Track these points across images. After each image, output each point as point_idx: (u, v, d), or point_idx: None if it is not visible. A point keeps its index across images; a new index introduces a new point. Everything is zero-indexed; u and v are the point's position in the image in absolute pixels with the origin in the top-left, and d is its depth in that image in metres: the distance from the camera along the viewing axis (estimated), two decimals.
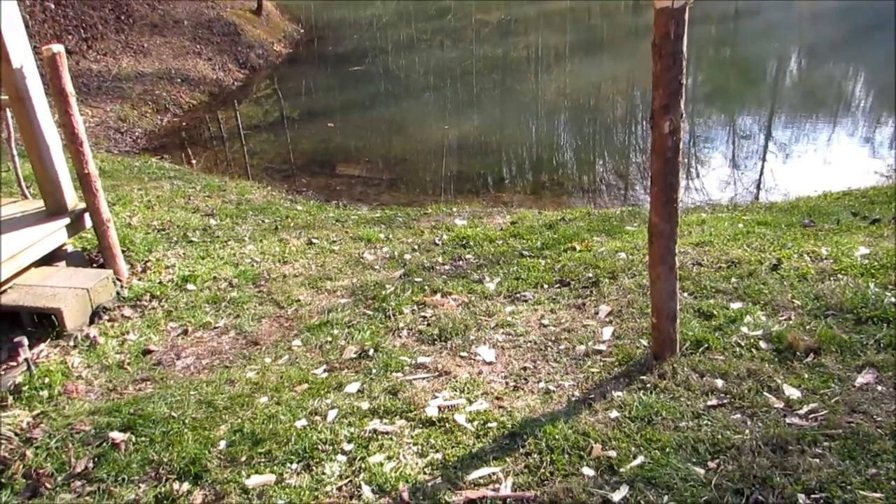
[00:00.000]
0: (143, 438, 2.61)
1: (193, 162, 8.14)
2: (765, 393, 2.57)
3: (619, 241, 4.71)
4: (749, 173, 7.78)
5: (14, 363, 3.17)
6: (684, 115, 2.58)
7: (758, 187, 7.32)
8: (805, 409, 2.44)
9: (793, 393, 2.55)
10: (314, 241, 4.97)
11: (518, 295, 3.82)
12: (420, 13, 20.40)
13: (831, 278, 3.54)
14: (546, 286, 3.93)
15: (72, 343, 3.42)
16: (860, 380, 2.59)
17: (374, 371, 3.05)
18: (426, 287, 4.00)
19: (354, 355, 3.24)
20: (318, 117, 10.27)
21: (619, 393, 2.67)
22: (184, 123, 9.88)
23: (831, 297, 3.25)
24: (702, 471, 2.18)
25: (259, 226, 5.32)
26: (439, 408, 2.67)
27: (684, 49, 2.49)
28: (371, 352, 3.25)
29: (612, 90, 12.10)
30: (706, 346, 2.94)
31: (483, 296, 3.85)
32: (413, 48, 16.49)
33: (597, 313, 3.46)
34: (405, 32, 18.32)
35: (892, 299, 3.17)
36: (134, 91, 10.26)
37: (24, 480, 2.40)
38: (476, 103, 11.42)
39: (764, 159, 8.27)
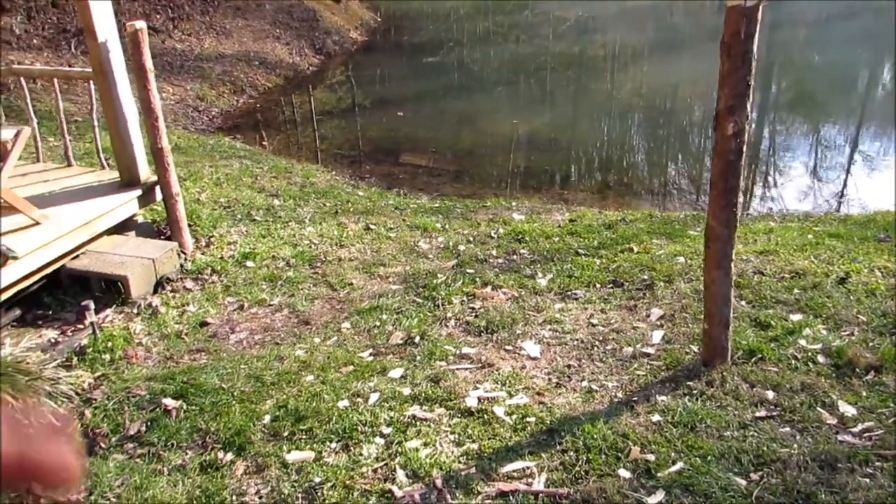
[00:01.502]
0: (193, 407, 2.73)
1: (265, 143, 8.38)
2: (818, 408, 2.47)
3: (679, 245, 4.60)
4: (830, 185, 7.42)
5: (81, 326, 3.36)
6: (750, 118, 2.49)
7: (840, 199, 6.98)
8: (859, 427, 2.34)
9: (848, 410, 2.44)
10: (372, 226, 5.05)
11: (569, 293, 3.79)
12: (498, 7, 20.31)
13: None
14: (598, 286, 3.87)
15: (135, 310, 3.60)
16: None
17: (418, 358, 3.09)
18: (477, 279, 4.01)
19: (400, 341, 3.29)
20: (389, 106, 10.38)
21: (664, 397, 2.62)
22: (258, 105, 10.17)
23: None
24: (743, 482, 2.12)
25: (320, 209, 5.44)
26: (479, 399, 2.69)
27: (755, 49, 2.41)
28: (417, 339, 3.29)
29: (689, 92, 11.74)
30: (760, 356, 2.85)
31: (533, 291, 3.83)
32: (489, 42, 16.45)
33: (648, 316, 3.39)
34: (482, 25, 18.30)
35: None
36: (214, 71, 10.63)
37: (81, 439, 2.55)
38: (548, 100, 11.31)
39: (848, 171, 7.87)
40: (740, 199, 2.58)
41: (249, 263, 4.24)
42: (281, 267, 4.26)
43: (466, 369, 2.97)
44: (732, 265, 2.70)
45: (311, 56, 12.79)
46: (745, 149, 2.52)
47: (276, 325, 3.56)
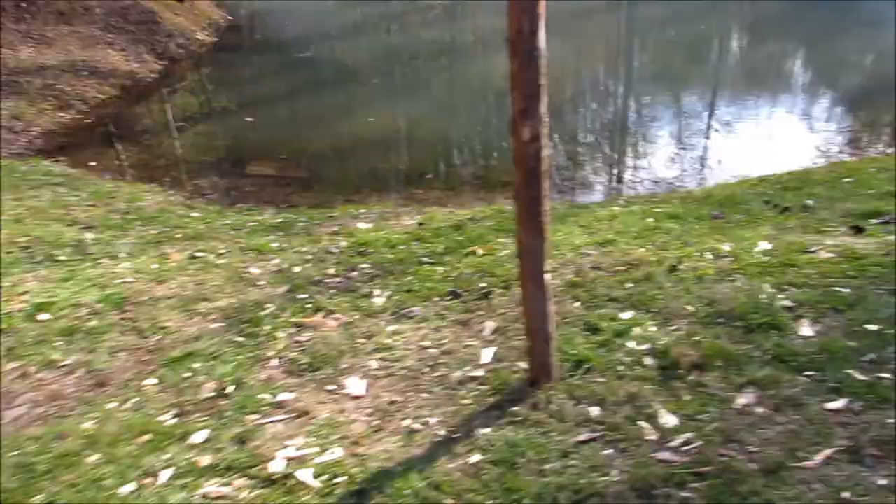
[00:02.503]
0: None
1: (92, 163, 7.59)
2: (640, 422, 2.35)
3: None
4: (694, 151, 7.74)
5: None
6: (546, 121, 2.31)
7: (702, 165, 7.27)
8: (679, 440, 2.23)
9: (669, 420, 2.34)
10: (198, 254, 4.59)
11: (405, 311, 3.54)
12: None
13: (728, 279, 3.36)
14: (437, 299, 3.65)
15: None
16: (740, 400, 2.39)
17: (227, 414, 2.73)
18: (309, 305, 3.69)
19: (211, 394, 2.91)
20: (238, 111, 9.76)
21: (487, 430, 2.42)
22: (88, 121, 9.25)
23: (724, 303, 3.06)
24: None
25: (142, 238, 4.91)
26: (287, 460, 2.38)
27: (542, 46, 2.22)
28: (230, 389, 2.92)
29: (558, 72, 11.87)
30: (588, 366, 2.72)
31: (368, 313, 3.55)
32: (359, 33, 16.02)
33: (482, 331, 3.20)
34: (350, 18, 17.78)
35: (785, 302, 3.00)
36: (33, 86, 9.57)
37: None
38: (413, 92, 11.03)
39: (707, 137, 8.27)
40: (546, 208, 2.41)
41: (43, 316, 3.69)
42: (83, 316, 3.73)
43: (280, 421, 2.65)
44: (549, 277, 2.54)
45: (151, 62, 11.84)
46: (544, 154, 2.34)
47: (67, 392, 3.07)
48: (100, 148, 8.26)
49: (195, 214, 5.73)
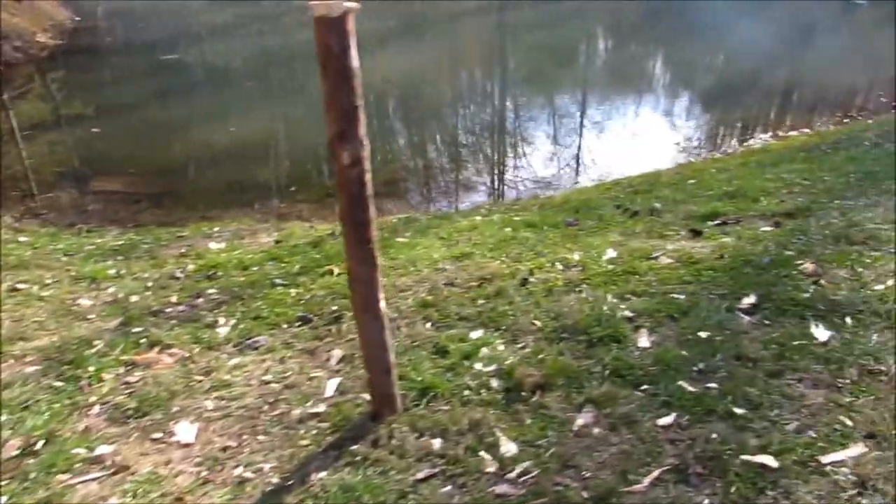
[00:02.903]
0: None
1: None
2: (481, 452, 2.29)
3: (383, 258, 4.34)
4: (569, 150, 7.95)
5: None
6: (365, 143, 2.19)
7: (576, 164, 7.50)
8: (517, 469, 2.18)
9: (510, 449, 2.29)
10: (20, 286, 4.11)
11: (251, 341, 3.32)
12: None
13: (575, 290, 3.40)
14: (286, 325, 3.45)
15: None
16: (579, 421, 2.39)
17: (32, 476, 2.41)
18: (144, 340, 3.38)
19: (15, 453, 2.57)
20: (83, 120, 9.00)
21: (323, 473, 2.27)
22: None
23: (570, 316, 3.09)
24: None
25: None
26: None
27: (355, 64, 2.09)
28: (39, 445, 2.59)
29: (435, 73, 11.86)
30: (434, 393, 2.63)
31: (209, 346, 3.30)
32: (229, 35, 15.30)
33: (328, 360, 3.04)
34: (220, 18, 16.97)
35: (626, 312, 3.06)
36: None
37: None
38: (281, 98, 10.64)
39: (581, 136, 8.59)
40: (374, 234, 2.29)
41: None
42: None
43: (95, 480, 2.37)
44: (383, 305, 2.42)
45: None
46: (367, 178, 2.22)
47: None
48: None
49: (23, 239, 5.16)
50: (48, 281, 4.23)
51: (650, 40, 15.76)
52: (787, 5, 18.52)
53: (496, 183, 7.12)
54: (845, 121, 8.53)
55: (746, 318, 2.88)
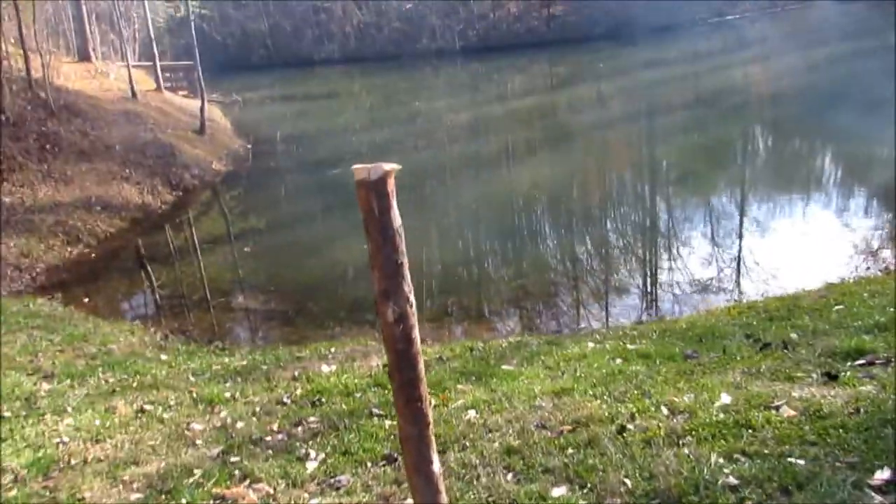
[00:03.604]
0: None
1: (85, 300, 7.69)
2: None
3: (482, 390, 4.24)
4: (728, 250, 7.73)
5: None
6: (411, 299, 2.17)
7: (737, 265, 7.23)
8: None
9: None
10: (147, 407, 4.44)
11: (334, 479, 3.29)
12: (391, 118, 20.92)
13: (678, 444, 3.05)
14: (371, 463, 3.40)
15: None
16: None
17: None
18: (238, 471, 3.47)
19: None
20: (238, 240, 9.95)
21: None
22: (93, 255, 9.52)
23: (665, 477, 2.75)
24: None
25: (97, 388, 4.81)
26: None
27: (397, 224, 2.11)
28: None
29: (577, 181, 11.96)
30: None
31: (294, 482, 3.31)
32: (388, 150, 16.61)
33: None
34: (378, 136, 18.60)
35: (731, 479, 2.67)
36: (45, 223, 9.96)
37: None
38: (428, 207, 11.15)
39: (741, 237, 8.21)
40: (424, 391, 2.21)
41: None
42: (5, 484, 3.57)
43: None
44: (437, 466, 2.30)
45: (165, 193, 12.33)
46: (415, 335, 2.18)
47: None
48: (96, 283, 8.41)
49: (163, 357, 5.64)
50: (171, 402, 4.53)
51: (806, 137, 14.91)
52: None
53: (621, 303, 6.81)
54: None
55: (878, 498, 2.40)
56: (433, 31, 37.30)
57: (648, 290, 7.05)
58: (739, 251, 7.96)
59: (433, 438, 2.28)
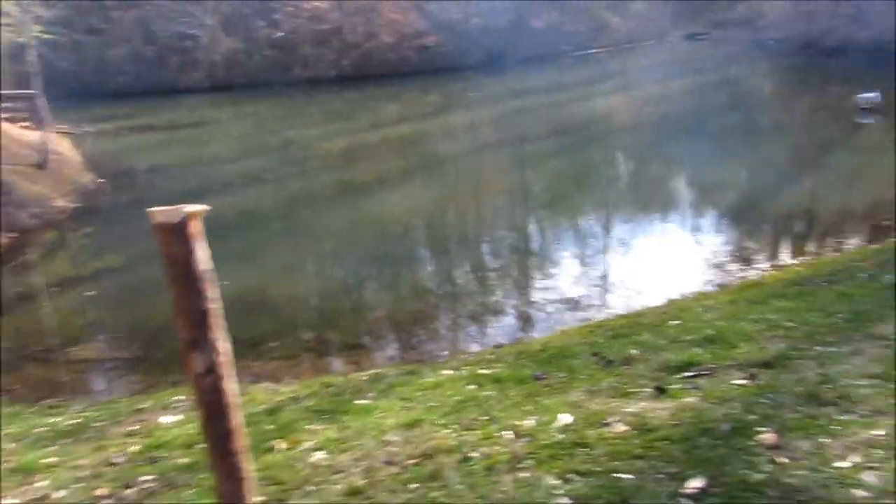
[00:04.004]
0: None
1: None
2: None
3: (334, 428, 4.11)
4: (595, 269, 8.10)
5: None
6: (222, 348, 2.05)
7: (604, 285, 7.65)
8: None
9: None
10: None
11: None
12: (262, 148, 20.32)
13: (518, 468, 3.08)
14: None
15: None
16: None
17: None
18: None
19: None
20: (85, 282, 9.20)
21: None
22: None
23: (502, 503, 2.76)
24: None
25: None
26: None
27: (203, 268, 1.99)
28: None
29: (430, 217, 12.07)
30: None
31: None
32: (258, 181, 16.02)
33: None
34: (248, 166, 17.94)
35: (564, 501, 2.72)
36: None
37: None
38: (295, 240, 10.83)
39: (605, 255, 8.57)
40: (240, 445, 2.08)
41: None
42: None
43: None
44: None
45: None
46: (226, 385, 2.05)
47: None
48: None
49: None
50: None
51: (662, 162, 16.09)
52: (795, 118, 18.95)
53: (478, 328, 6.92)
54: (847, 248, 8.26)
55: None
56: (306, 60, 36.92)
57: (507, 313, 7.20)
58: (605, 270, 8.37)
59: (248, 495, 2.14)
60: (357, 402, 4.61)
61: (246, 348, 6.74)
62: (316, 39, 37.06)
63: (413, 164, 17.42)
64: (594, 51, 42.72)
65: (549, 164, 16.71)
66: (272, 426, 4.31)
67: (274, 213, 13.01)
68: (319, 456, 3.68)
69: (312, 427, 4.20)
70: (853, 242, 8.65)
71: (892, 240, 8.11)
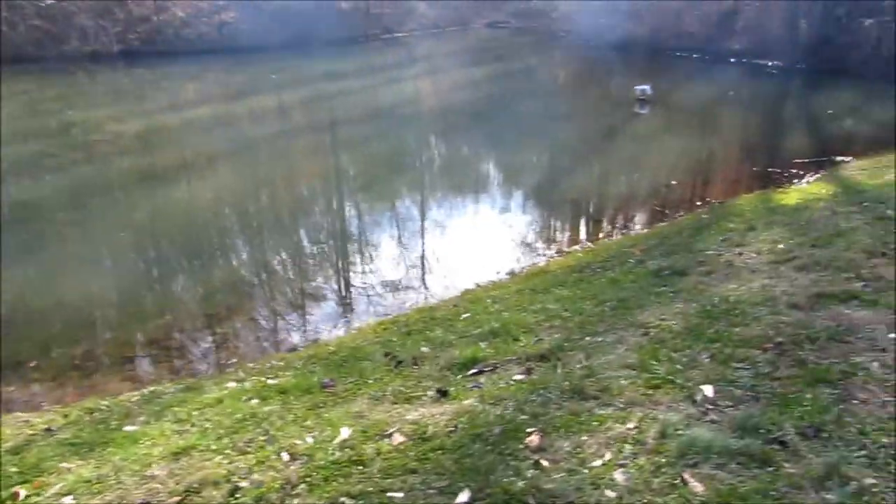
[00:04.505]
0: None
1: None
2: None
3: (91, 465, 3.63)
4: (414, 252, 8.04)
5: None
6: None
7: (421, 269, 7.68)
8: None
9: None
10: None
11: None
12: (39, 130, 17.73)
13: (291, 495, 2.90)
14: None
15: None
16: None
17: None
18: None
19: None
20: None
21: None
22: None
23: None
24: None
25: None
26: None
27: None
28: None
29: (238, 206, 11.30)
30: None
31: None
32: (41, 167, 13.87)
33: None
34: (25, 149, 15.53)
35: None
36: None
37: None
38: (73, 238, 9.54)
39: (423, 240, 8.67)
40: None
41: None
42: None
43: None
44: None
45: None
46: None
47: None
48: None
49: None
50: None
51: (470, 145, 16.60)
52: (582, 107, 20.50)
53: (270, 330, 6.58)
54: (623, 233, 9.04)
55: None
56: (84, 32, 33.00)
57: (305, 312, 6.94)
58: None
59: None
60: (124, 429, 4.13)
61: (3, 368, 5.83)
62: (95, 11, 33.25)
63: (222, 149, 16.34)
64: (401, 34, 43.07)
65: (350, 150, 16.53)
66: (15, 468, 3.72)
67: (53, 205, 11.50)
68: (67, 502, 3.22)
69: (65, 465, 3.68)
70: (629, 227, 9.49)
71: (661, 225, 9.02)
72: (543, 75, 31.89)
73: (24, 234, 9.81)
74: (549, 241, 9.03)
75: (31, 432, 4.32)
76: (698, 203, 10.06)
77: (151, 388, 4.96)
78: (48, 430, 4.31)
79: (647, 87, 18.87)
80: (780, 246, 5.95)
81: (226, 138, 17.54)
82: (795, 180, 10.90)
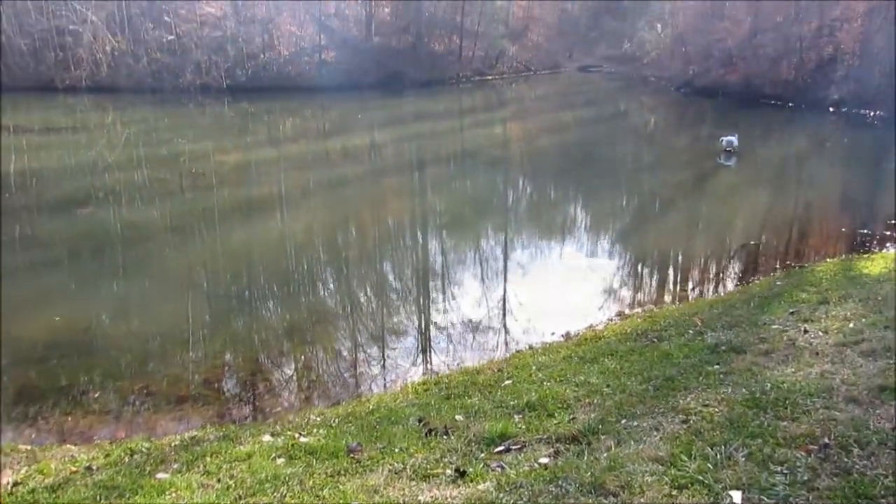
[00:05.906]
0: None
1: None
2: None
3: None
4: (496, 291, 8.28)
5: None
6: None
7: (503, 311, 7.80)
8: None
9: None
10: None
11: None
12: (151, 158, 19.20)
13: None
14: None
15: None
16: None
17: None
18: None
19: None
20: None
21: None
22: None
23: None
24: None
25: None
26: None
27: None
28: None
29: (329, 241, 11.66)
30: None
31: None
32: (146, 193, 15.02)
33: None
34: (137, 176, 16.87)
35: None
36: None
37: None
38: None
39: (505, 279, 8.62)
40: None
41: None
42: None
43: None
44: None
45: None
46: None
47: None
48: None
49: None
50: None
51: (559, 190, 16.51)
52: (670, 157, 20.01)
53: (320, 382, 6.63)
54: (692, 296, 8.64)
55: None
56: (199, 66, 35.44)
57: (359, 363, 6.97)
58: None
59: None
60: (157, 476, 4.24)
61: (61, 397, 6.16)
62: (210, 47, 35.68)
63: (315, 183, 17.04)
64: (491, 77, 43.68)
65: (434, 190, 16.75)
66: None
67: (156, 228, 12.29)
68: None
69: None
70: (698, 291, 9.06)
71: (731, 290, 8.56)
72: (632, 121, 31.46)
73: (126, 255, 10.54)
74: (614, 299, 8.74)
75: (73, 469, 4.50)
76: (776, 267, 9.50)
77: (192, 434, 5.08)
78: (89, 468, 4.48)
79: (733, 138, 18.22)
80: (851, 325, 5.49)
81: (320, 172, 18.23)
82: (888, 244, 10.12)
